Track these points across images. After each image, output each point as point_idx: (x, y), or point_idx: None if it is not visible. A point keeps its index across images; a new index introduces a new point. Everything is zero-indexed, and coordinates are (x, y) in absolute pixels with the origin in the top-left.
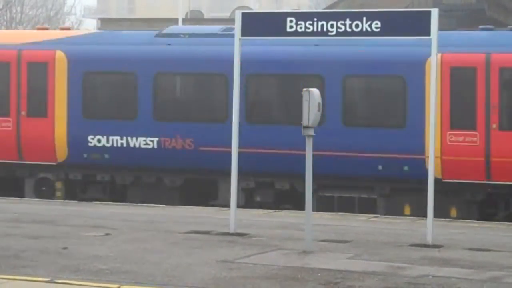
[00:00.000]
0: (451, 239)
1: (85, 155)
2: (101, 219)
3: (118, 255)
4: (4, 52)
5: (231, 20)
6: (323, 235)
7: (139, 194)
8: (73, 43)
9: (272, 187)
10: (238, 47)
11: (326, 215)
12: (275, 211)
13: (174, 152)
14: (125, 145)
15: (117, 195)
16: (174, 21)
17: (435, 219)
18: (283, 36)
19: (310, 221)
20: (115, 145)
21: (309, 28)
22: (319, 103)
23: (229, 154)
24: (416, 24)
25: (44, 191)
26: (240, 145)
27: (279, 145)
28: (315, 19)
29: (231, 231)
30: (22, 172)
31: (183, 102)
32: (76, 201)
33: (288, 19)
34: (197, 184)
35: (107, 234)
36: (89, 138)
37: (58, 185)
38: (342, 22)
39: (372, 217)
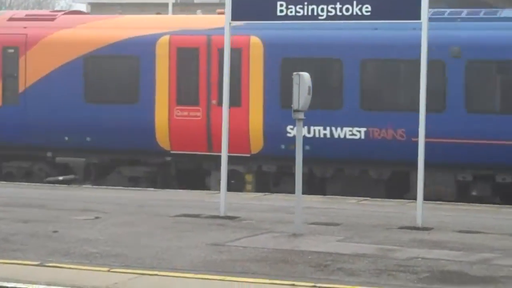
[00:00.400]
0: (440, 222)
1: (282, 146)
2: (91, 202)
3: (108, 238)
4: (192, 37)
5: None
6: (313, 218)
7: (339, 187)
8: (268, 27)
9: (492, 180)
10: (228, 31)
11: (316, 198)
12: (266, 194)
13: (383, 143)
14: (328, 135)
15: (315, 188)
16: (165, 5)
17: (425, 201)
18: (274, 20)
19: (300, 204)
20: (317, 135)
21: (299, 12)
22: (309, 87)
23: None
24: (407, 7)
25: (233, 184)
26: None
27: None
28: (306, 3)
29: (221, 214)
30: (209, 164)
31: (393, 90)
32: (66, 185)
33: (279, 3)
34: (401, 176)
35: (97, 217)
36: (288, 128)
37: (249, 178)
38: (333, 6)
39: (362, 200)
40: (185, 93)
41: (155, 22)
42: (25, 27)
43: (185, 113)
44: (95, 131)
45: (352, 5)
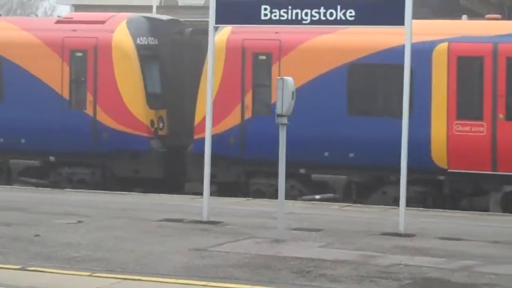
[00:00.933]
0: (423, 228)
1: None
2: (73, 206)
3: (90, 242)
4: (476, 45)
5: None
6: (295, 223)
7: None
8: None
9: None
10: (212, 34)
11: (299, 203)
12: (248, 199)
13: None
14: None
15: None
16: (148, 8)
17: (407, 208)
18: (258, 24)
19: (283, 209)
20: None
21: (283, 16)
22: (293, 92)
23: None
24: (391, 13)
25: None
26: None
27: None
28: (290, 7)
29: (204, 219)
30: (488, 184)
31: None
32: (49, 189)
33: (263, 7)
34: None
35: (79, 221)
36: None
37: None
38: (317, 10)
39: (344, 206)
40: (467, 107)
41: (430, 28)
42: (276, 33)
43: (467, 128)
44: (359, 146)
45: (336, 10)
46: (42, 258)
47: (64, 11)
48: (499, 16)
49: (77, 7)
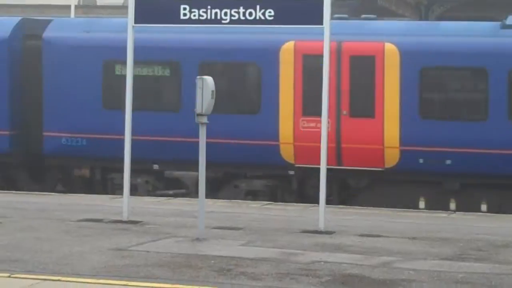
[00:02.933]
0: (342, 225)
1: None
2: None
3: (9, 243)
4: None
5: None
6: (216, 222)
7: None
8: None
9: None
10: (131, 34)
11: (220, 202)
12: (169, 199)
13: None
14: None
15: None
16: (67, 8)
17: (327, 205)
18: (177, 24)
19: (203, 208)
20: None
21: (202, 16)
22: (212, 91)
23: None
24: (309, 12)
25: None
26: None
27: None
28: (209, 7)
29: (124, 219)
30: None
31: None
32: None
33: (182, 6)
34: None
35: None
36: None
37: None
38: (236, 10)
39: (265, 204)
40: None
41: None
42: None
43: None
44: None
45: (255, 10)
46: None
47: None
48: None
49: None
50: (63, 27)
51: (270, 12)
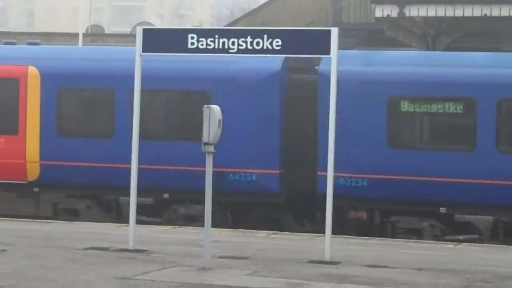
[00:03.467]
0: (348, 256)
1: None
2: None
3: (15, 271)
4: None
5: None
6: (222, 251)
7: None
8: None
9: None
10: (139, 63)
11: (225, 231)
12: (175, 227)
13: None
14: None
15: None
16: (75, 35)
17: (333, 236)
18: (184, 53)
19: (209, 237)
20: None
21: (210, 45)
22: (219, 120)
23: None
24: (317, 42)
25: None
26: None
27: None
28: (217, 36)
29: (130, 247)
30: None
31: None
32: None
33: (190, 35)
34: None
35: (3, 250)
36: None
37: None
38: (243, 39)
39: (271, 234)
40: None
41: None
42: None
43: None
44: None
45: (262, 39)
46: None
47: None
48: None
49: (2, 34)
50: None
51: (277, 42)
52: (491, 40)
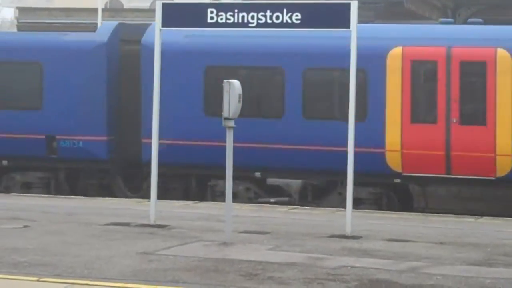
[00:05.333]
0: (369, 230)
1: None
2: (19, 211)
3: (37, 247)
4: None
5: (151, 11)
6: (243, 226)
7: None
8: None
9: None
10: (158, 37)
11: (246, 206)
12: (196, 202)
13: None
14: None
15: None
16: (94, 11)
17: (353, 210)
18: (204, 27)
19: (230, 212)
20: None
21: (229, 20)
22: (239, 94)
23: None
24: (336, 16)
25: None
26: None
27: None
28: (236, 11)
29: (151, 222)
30: None
31: None
32: None
33: (209, 10)
34: None
35: (25, 226)
36: None
37: None
38: (263, 13)
39: (292, 208)
40: None
41: None
42: None
43: None
44: None
45: (282, 13)
46: None
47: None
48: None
49: (22, 10)
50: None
51: (297, 15)
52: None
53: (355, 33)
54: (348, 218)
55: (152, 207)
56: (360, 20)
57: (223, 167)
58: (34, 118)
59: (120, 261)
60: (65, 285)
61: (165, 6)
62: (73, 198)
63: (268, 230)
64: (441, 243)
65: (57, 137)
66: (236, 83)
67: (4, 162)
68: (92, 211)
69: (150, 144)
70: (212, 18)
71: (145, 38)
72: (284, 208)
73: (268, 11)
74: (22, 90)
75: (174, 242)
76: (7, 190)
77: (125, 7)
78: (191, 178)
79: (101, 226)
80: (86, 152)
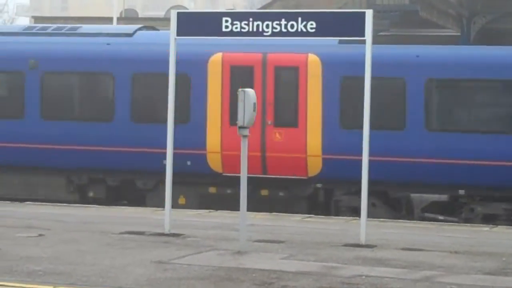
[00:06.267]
0: (384, 239)
1: None
2: (34, 219)
3: (52, 256)
4: None
5: (166, 20)
6: (257, 235)
7: None
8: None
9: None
10: (173, 46)
11: (261, 215)
12: (210, 211)
13: None
14: None
15: None
16: (109, 20)
17: (368, 219)
18: (219, 36)
19: (245, 221)
20: None
21: (244, 28)
22: (254, 103)
23: None
24: (351, 24)
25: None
26: None
27: None
28: (251, 19)
29: (166, 231)
30: None
31: None
32: (8, 201)
33: (224, 19)
34: None
35: (40, 234)
36: None
37: None
38: (278, 22)
39: (306, 217)
40: None
41: None
42: None
43: None
44: None
45: (297, 22)
46: (3, 272)
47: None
48: None
49: (37, 19)
50: None
51: (312, 24)
52: None
53: (370, 42)
54: (362, 227)
55: (167, 216)
56: (375, 29)
57: None
58: None
59: (135, 270)
60: None
61: (180, 15)
62: (87, 206)
63: (282, 239)
64: (456, 252)
65: None
66: (251, 92)
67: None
68: (106, 219)
69: None
70: (227, 27)
71: None
72: (298, 217)
73: (283, 19)
74: None
75: (189, 251)
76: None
77: (140, 16)
78: None
79: (115, 235)
80: None
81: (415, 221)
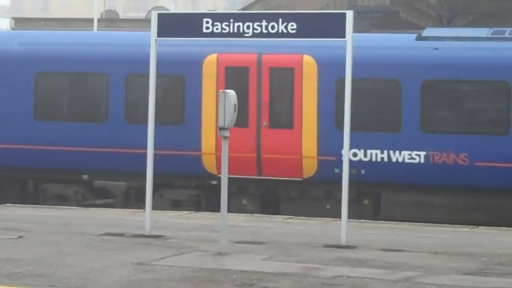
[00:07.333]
0: (364, 240)
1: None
2: (14, 221)
3: (32, 258)
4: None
5: (146, 21)
6: (238, 236)
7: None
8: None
9: None
10: (154, 47)
11: (242, 216)
12: (191, 213)
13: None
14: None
15: None
16: (90, 21)
17: (349, 220)
18: (199, 37)
19: (226, 222)
20: None
21: (225, 29)
22: (235, 104)
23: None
24: (332, 26)
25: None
26: None
27: None
28: (231, 20)
29: (146, 233)
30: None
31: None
32: None
33: (205, 20)
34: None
35: (20, 236)
36: None
37: None
38: (258, 23)
39: (286, 218)
40: None
41: None
42: None
43: None
44: None
45: (277, 23)
46: None
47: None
48: None
49: (17, 21)
50: None
51: (292, 25)
52: (505, 21)
53: (351, 43)
54: (343, 228)
55: (147, 217)
56: (356, 30)
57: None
58: None
59: (115, 272)
60: None
61: (160, 16)
62: (68, 208)
63: (263, 240)
64: (436, 252)
65: None
66: (231, 93)
67: None
68: (86, 221)
69: None
70: (207, 28)
71: None
72: (279, 218)
73: (263, 21)
74: None
75: (169, 252)
76: None
77: (121, 17)
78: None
79: (96, 237)
80: None
81: (395, 222)
